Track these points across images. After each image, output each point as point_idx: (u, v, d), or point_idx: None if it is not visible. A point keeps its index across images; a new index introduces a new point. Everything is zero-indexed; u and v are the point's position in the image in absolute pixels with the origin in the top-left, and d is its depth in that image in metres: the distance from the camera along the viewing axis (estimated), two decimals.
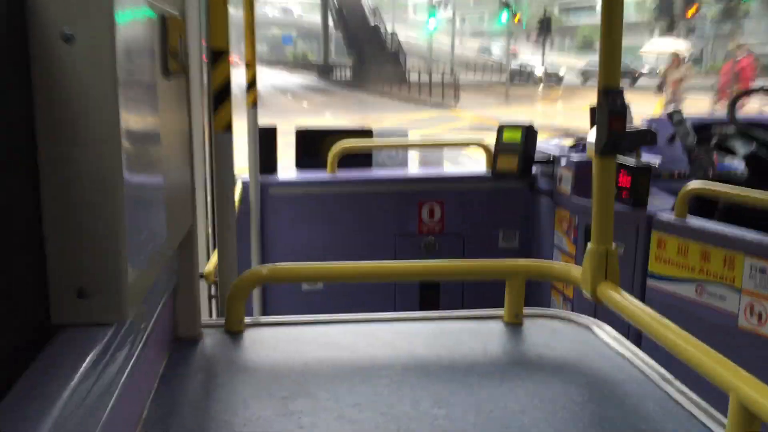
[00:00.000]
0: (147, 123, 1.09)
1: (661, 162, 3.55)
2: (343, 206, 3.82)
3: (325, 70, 48.59)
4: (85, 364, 0.85)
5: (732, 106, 3.61)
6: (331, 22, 48.44)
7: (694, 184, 2.97)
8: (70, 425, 0.77)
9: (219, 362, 1.51)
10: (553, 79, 40.69)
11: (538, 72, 41.11)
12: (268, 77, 46.76)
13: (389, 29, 46.05)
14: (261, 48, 65.00)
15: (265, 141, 3.67)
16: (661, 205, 3.14)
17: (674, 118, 3.73)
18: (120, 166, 0.92)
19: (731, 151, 3.49)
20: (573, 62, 48.72)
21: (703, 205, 3.19)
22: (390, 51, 43.19)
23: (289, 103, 28.53)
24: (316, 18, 60.28)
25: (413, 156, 4.46)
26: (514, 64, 43.93)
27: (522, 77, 43.13)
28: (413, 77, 34.06)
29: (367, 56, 41.77)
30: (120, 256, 0.93)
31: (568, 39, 63.83)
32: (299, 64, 58.10)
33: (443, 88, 28.86)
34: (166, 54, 1.24)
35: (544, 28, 36.70)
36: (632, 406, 1.32)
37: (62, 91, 0.88)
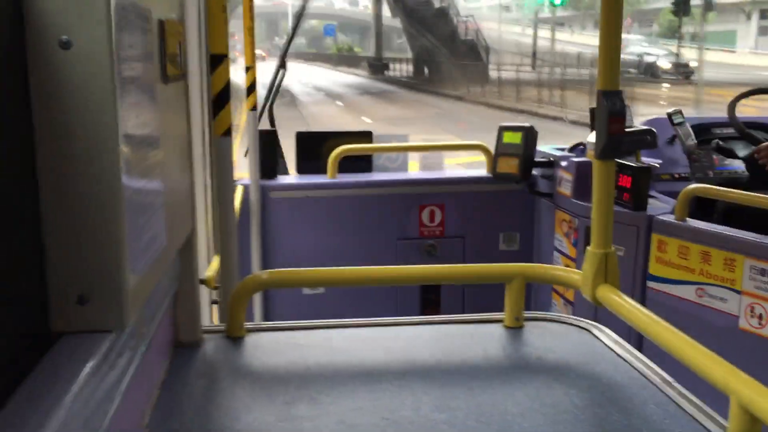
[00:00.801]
0: (146, 128, 1.09)
1: (661, 163, 3.54)
2: (344, 210, 3.82)
3: (378, 67, 39.99)
4: (85, 371, 0.85)
5: (732, 108, 3.60)
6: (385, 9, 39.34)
7: (695, 186, 2.97)
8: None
9: (220, 367, 1.50)
10: (679, 72, 31.39)
11: (663, 64, 32.21)
12: (309, 76, 38.36)
13: (460, 12, 36.41)
14: (299, 41, 56.20)
15: (265, 144, 3.68)
16: (661, 207, 3.14)
17: (674, 119, 3.73)
18: (119, 171, 0.91)
19: (731, 153, 3.49)
20: (667, 51, 37.80)
21: (702, 207, 3.19)
22: (464, 40, 33.79)
23: (340, 114, 20.49)
24: (357, 8, 52.24)
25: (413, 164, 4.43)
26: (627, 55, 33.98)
27: (638, 70, 33.37)
28: (498, 74, 26.68)
29: (433, 48, 33.35)
30: (120, 262, 0.93)
31: (645, 25, 53.82)
32: (344, 58, 47.98)
33: (536, 90, 21.15)
34: (165, 59, 1.24)
35: (681, 5, 25.70)
36: (634, 410, 1.32)
37: (61, 98, 0.89)
